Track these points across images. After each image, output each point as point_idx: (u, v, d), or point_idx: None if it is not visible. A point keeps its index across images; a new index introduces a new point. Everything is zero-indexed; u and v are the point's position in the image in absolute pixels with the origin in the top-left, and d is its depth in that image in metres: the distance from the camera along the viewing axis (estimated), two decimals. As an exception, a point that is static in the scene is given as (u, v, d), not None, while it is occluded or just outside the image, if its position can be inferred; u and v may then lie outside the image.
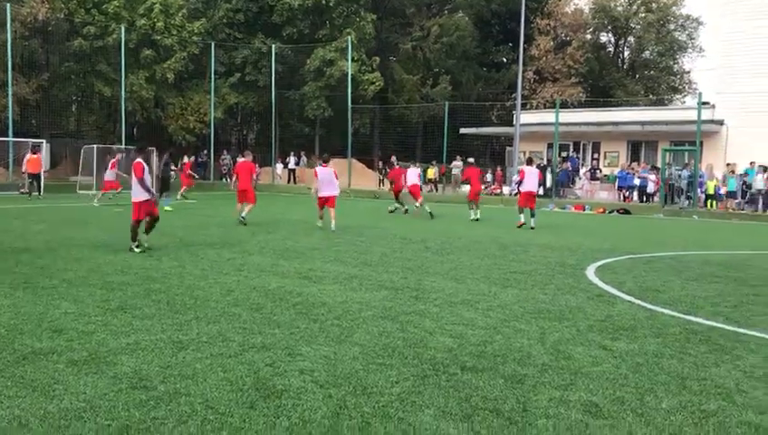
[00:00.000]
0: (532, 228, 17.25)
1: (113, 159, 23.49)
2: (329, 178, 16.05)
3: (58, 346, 5.43)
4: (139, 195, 11.11)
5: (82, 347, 5.42)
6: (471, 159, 22.71)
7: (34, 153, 25.39)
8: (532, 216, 17.75)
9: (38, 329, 5.95)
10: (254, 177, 17.51)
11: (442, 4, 54.34)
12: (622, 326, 6.66)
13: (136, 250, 10.88)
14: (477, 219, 19.22)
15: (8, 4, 30.95)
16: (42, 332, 5.86)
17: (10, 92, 31.31)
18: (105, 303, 7.08)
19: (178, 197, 24.15)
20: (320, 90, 42.10)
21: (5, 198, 24.07)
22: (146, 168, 11.21)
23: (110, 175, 22.79)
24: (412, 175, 21.79)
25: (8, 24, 30.95)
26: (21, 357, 5.12)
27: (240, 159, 19.56)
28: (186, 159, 29.21)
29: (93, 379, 4.67)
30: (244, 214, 16.19)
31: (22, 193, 25.79)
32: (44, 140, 31.31)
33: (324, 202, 16.01)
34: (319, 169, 16.35)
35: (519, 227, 17.62)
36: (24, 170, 25.85)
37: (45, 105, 37.70)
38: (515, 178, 19.46)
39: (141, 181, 11.06)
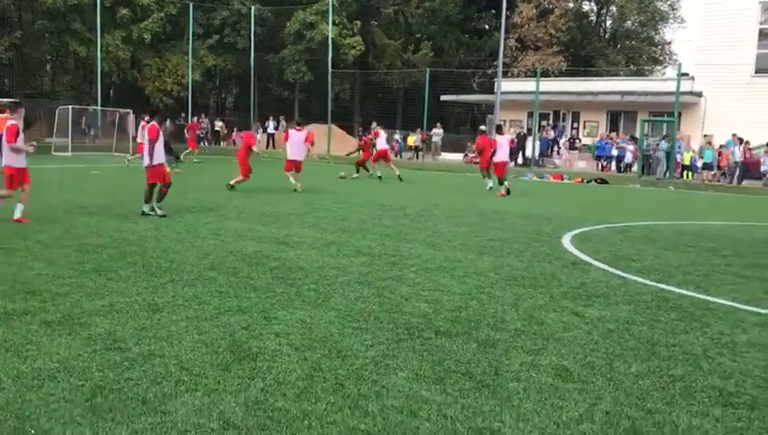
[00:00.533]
0: (504, 194, 17.52)
1: (143, 122, 23.34)
2: (299, 142, 16.56)
3: (32, 307, 5.40)
4: (156, 159, 10.94)
5: (56, 309, 5.39)
6: (483, 127, 22.26)
7: (1, 112, 24.81)
8: (505, 181, 18.04)
9: (11, 290, 5.89)
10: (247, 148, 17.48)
11: (425, -33, 53.62)
12: (595, 293, 6.75)
13: (159, 212, 10.89)
14: (491, 188, 18.91)
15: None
16: (15, 293, 5.81)
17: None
18: (80, 265, 7.03)
19: (182, 158, 24.12)
20: (300, 53, 41.57)
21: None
22: (160, 132, 11.05)
23: (142, 136, 22.59)
24: (382, 140, 22.19)
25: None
26: (-7, 318, 5.09)
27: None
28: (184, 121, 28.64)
29: (67, 340, 4.65)
30: (232, 181, 16.10)
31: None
32: (17, 100, 30.62)
33: (293, 165, 16.48)
34: (292, 131, 16.85)
35: (501, 195, 17.67)
36: None
37: (18, 64, 36.89)
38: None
39: (151, 142, 10.84)
